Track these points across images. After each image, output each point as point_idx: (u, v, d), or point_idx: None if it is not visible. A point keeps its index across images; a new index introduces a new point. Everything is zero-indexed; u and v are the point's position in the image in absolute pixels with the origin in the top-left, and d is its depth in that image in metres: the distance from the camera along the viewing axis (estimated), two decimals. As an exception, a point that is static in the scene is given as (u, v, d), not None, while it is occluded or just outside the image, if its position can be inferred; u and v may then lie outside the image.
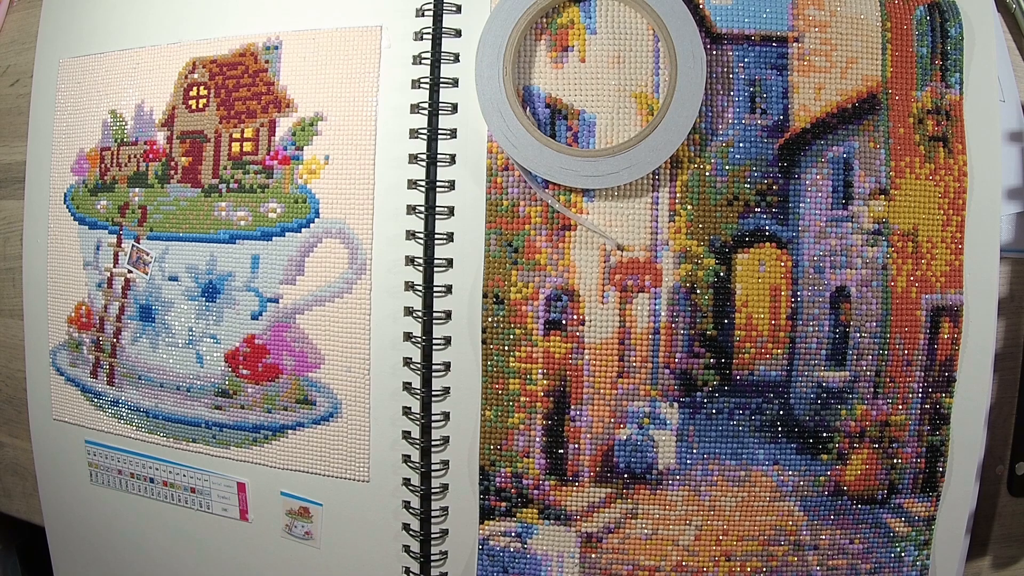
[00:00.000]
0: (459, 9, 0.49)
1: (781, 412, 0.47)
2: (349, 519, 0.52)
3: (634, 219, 0.47)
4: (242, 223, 0.53)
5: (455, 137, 0.49)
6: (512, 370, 0.48)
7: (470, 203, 0.48)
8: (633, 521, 0.48)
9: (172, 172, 0.55)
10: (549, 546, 0.49)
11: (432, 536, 0.50)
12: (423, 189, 0.49)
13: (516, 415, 0.48)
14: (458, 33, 0.49)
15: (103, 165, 0.58)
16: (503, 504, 0.49)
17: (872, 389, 0.47)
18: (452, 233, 0.49)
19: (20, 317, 0.63)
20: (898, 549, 0.49)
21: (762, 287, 0.47)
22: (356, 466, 0.51)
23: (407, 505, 0.51)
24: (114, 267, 0.57)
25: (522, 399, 0.48)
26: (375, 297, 0.50)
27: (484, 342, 0.48)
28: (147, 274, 0.56)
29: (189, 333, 0.55)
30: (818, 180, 0.47)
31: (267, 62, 0.52)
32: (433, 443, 0.50)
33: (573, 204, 0.47)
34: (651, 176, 0.47)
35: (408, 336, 0.49)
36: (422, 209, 0.49)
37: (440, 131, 0.49)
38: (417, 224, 0.49)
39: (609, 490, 0.48)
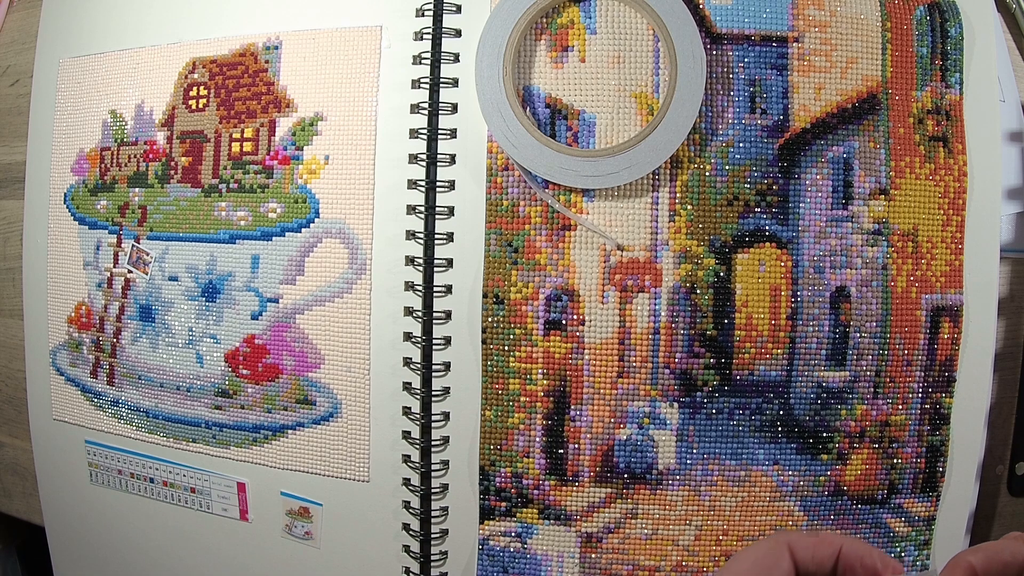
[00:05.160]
0: (459, 9, 0.49)
1: (781, 412, 0.47)
2: (349, 519, 0.52)
3: (634, 219, 0.47)
4: (242, 223, 0.53)
5: (455, 137, 0.49)
6: (512, 370, 0.48)
7: (470, 203, 0.48)
8: (633, 521, 0.48)
9: (172, 172, 0.55)
10: (549, 546, 0.49)
11: (432, 536, 0.50)
12: (423, 189, 0.49)
13: (516, 415, 0.48)
14: (458, 33, 0.49)
15: (103, 165, 0.58)
16: (503, 504, 0.49)
17: (872, 389, 0.47)
18: (452, 233, 0.49)
19: (20, 317, 0.63)
20: (898, 549, 0.49)
21: (762, 287, 0.47)
22: (356, 466, 0.51)
23: (407, 505, 0.51)
24: (114, 267, 0.57)
25: (522, 399, 0.48)
26: (375, 297, 0.50)
27: (484, 342, 0.48)
28: (147, 274, 0.56)
29: (189, 333, 0.55)
30: (818, 180, 0.47)
31: (267, 62, 0.52)
32: (433, 443, 0.49)
33: (573, 204, 0.47)
34: (651, 176, 0.47)
35: (408, 336, 0.49)
36: (422, 209, 0.49)
37: (440, 131, 0.49)
38: (417, 224, 0.49)
39: (609, 490, 0.48)
